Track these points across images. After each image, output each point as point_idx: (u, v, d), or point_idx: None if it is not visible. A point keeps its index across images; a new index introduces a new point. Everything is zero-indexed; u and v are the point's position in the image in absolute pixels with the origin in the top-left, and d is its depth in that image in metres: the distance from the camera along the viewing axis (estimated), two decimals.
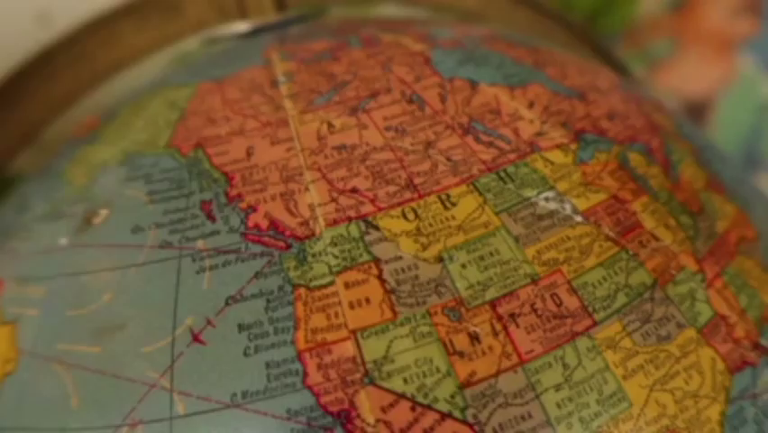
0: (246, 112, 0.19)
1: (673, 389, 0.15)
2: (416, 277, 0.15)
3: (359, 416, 0.14)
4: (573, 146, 0.18)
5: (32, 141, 0.24)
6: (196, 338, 0.15)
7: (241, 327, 0.15)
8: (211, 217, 0.16)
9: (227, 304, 0.15)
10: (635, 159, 0.19)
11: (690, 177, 0.20)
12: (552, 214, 0.16)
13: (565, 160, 0.18)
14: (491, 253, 0.16)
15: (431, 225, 0.16)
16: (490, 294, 0.15)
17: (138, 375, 0.15)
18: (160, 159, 0.18)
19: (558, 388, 0.14)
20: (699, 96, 0.48)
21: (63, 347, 0.16)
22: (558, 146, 0.18)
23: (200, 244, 0.16)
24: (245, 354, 0.14)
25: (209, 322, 0.15)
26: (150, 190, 0.18)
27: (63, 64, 0.24)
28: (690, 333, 0.16)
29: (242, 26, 0.27)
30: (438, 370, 0.14)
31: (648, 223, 0.17)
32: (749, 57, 0.47)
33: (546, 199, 0.17)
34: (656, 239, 0.17)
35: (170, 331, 0.15)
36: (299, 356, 0.14)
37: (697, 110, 0.49)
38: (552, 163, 0.18)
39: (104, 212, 0.18)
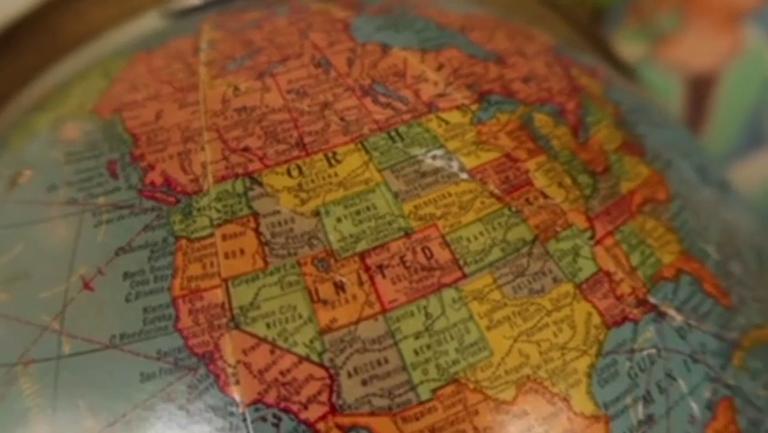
0: (164, 78, 0.20)
1: (540, 340, 0.15)
2: (291, 230, 0.16)
3: (221, 357, 0.14)
4: (474, 107, 0.18)
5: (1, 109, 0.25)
6: (86, 285, 0.16)
7: (125, 275, 0.16)
8: (114, 176, 0.17)
9: (116, 254, 0.16)
10: (540, 119, 0.19)
11: (602, 138, 0.19)
12: (436, 171, 0.17)
13: (462, 120, 0.18)
14: (368, 208, 0.16)
15: (313, 181, 0.16)
16: (361, 246, 0.15)
17: (34, 319, 0.16)
18: (83, 123, 0.20)
19: (418, 336, 0.15)
20: (704, 70, 0.47)
21: None
22: (457, 107, 0.18)
23: (101, 200, 0.17)
24: (126, 300, 0.15)
25: (99, 271, 0.16)
26: (68, 152, 0.19)
27: (26, 40, 0.25)
28: (567, 288, 0.16)
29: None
30: (300, 316, 0.15)
31: (540, 181, 0.17)
32: (756, 29, 0.45)
33: (433, 157, 0.17)
34: (545, 197, 0.17)
35: (66, 279, 0.16)
36: (173, 302, 0.15)
37: (702, 84, 0.47)
38: (446, 123, 0.18)
39: (27, 173, 0.19)
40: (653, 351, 0.16)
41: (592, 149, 0.19)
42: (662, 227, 0.18)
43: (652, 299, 0.17)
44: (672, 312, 0.17)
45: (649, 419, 0.15)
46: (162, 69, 0.20)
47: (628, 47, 0.48)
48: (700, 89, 0.48)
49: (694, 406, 0.16)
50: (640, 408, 0.15)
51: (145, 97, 0.19)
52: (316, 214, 0.16)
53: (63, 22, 0.27)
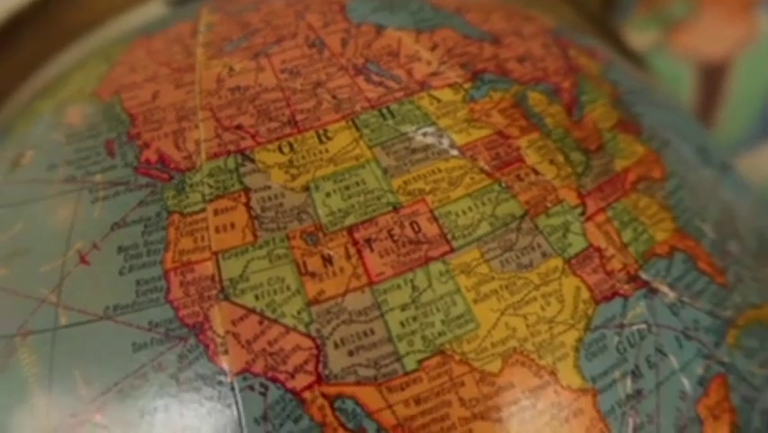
0: (162, 60, 0.20)
1: (527, 314, 0.15)
2: (281, 205, 0.16)
3: (211, 328, 0.15)
4: (467, 85, 0.18)
5: (4, 103, 0.26)
6: (82, 259, 0.16)
7: (120, 249, 0.16)
8: (111, 154, 0.18)
9: (112, 229, 0.16)
10: (534, 98, 0.19)
11: (597, 117, 0.19)
12: (426, 148, 0.17)
13: (454, 98, 0.18)
14: (357, 184, 0.16)
15: (303, 157, 0.16)
16: (349, 220, 0.16)
17: (33, 292, 0.16)
18: (84, 106, 0.20)
19: (404, 308, 0.15)
20: (717, 58, 0.46)
21: None
22: (450, 85, 0.18)
23: (98, 177, 0.17)
24: (120, 273, 0.16)
25: (95, 245, 0.16)
26: (68, 133, 0.19)
27: (30, 30, 0.26)
28: (556, 262, 0.16)
29: None
30: (288, 288, 0.15)
31: (531, 158, 0.17)
32: None
33: (424, 134, 0.17)
34: (536, 173, 0.17)
35: (63, 254, 0.16)
36: (165, 275, 0.15)
37: (715, 72, 0.47)
38: (438, 101, 0.18)
39: (29, 154, 0.20)
40: (643, 326, 0.16)
41: (586, 127, 0.19)
42: (657, 205, 0.18)
43: (643, 276, 0.17)
44: (664, 289, 0.17)
45: (638, 394, 0.15)
46: (161, 51, 0.21)
47: (640, 35, 0.48)
48: (713, 77, 0.47)
49: (685, 382, 0.16)
50: (628, 382, 0.15)
51: (143, 79, 0.20)
52: (306, 189, 0.16)
53: (67, 11, 0.28)
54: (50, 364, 0.15)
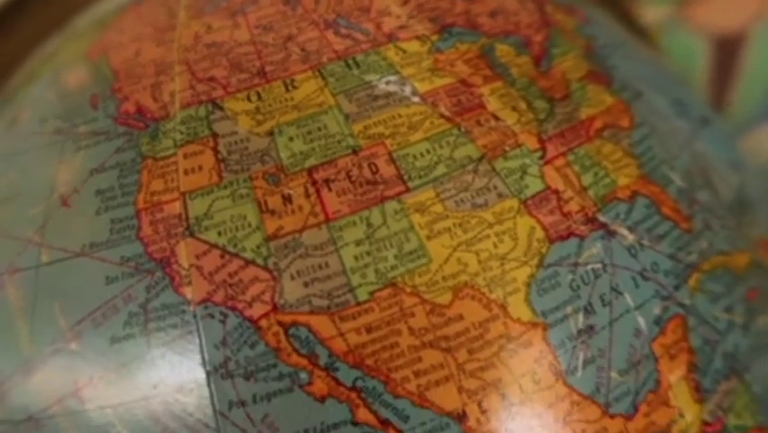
0: (147, 21, 0.21)
1: (479, 250, 0.16)
2: (246, 148, 0.16)
3: (176, 262, 0.15)
4: (434, 37, 0.19)
5: (9, 76, 0.27)
6: (64, 203, 0.17)
7: (97, 192, 0.17)
8: (95, 107, 0.19)
9: (91, 175, 0.17)
10: (502, 49, 0.19)
11: (566, 68, 0.19)
12: (388, 95, 0.17)
13: (420, 49, 0.18)
14: (319, 128, 0.17)
15: (270, 105, 0.17)
16: (310, 162, 0.16)
17: (21, 234, 0.17)
18: (77, 67, 0.21)
19: (359, 243, 0.15)
20: (733, 31, 0.45)
21: None
22: (417, 37, 0.19)
23: (82, 129, 0.18)
24: (97, 214, 0.16)
25: (75, 189, 0.17)
26: (60, 91, 0.20)
27: (35, 5, 0.27)
28: (512, 203, 0.16)
29: None
30: (249, 225, 0.16)
31: (493, 105, 0.18)
32: None
33: (387, 83, 0.17)
34: (497, 119, 0.17)
35: (48, 198, 0.17)
36: (137, 214, 0.16)
37: (730, 46, 0.46)
38: (404, 52, 0.18)
39: (26, 111, 0.21)
40: (598, 266, 0.16)
41: (553, 77, 0.19)
42: (621, 152, 0.18)
43: (601, 218, 0.17)
44: (623, 231, 0.17)
45: (589, 329, 0.16)
46: (148, 14, 0.21)
47: (653, 9, 0.47)
48: (728, 51, 0.46)
49: (641, 320, 0.16)
50: (580, 317, 0.16)
51: (129, 39, 0.20)
52: (270, 134, 0.17)
53: None
54: (33, 299, 0.17)
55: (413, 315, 0.15)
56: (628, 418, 0.16)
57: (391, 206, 0.16)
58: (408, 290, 0.15)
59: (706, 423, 0.17)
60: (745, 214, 0.20)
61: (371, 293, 0.15)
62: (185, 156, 0.17)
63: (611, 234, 0.17)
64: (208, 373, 0.15)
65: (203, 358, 0.15)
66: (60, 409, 0.15)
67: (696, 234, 0.18)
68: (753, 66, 0.45)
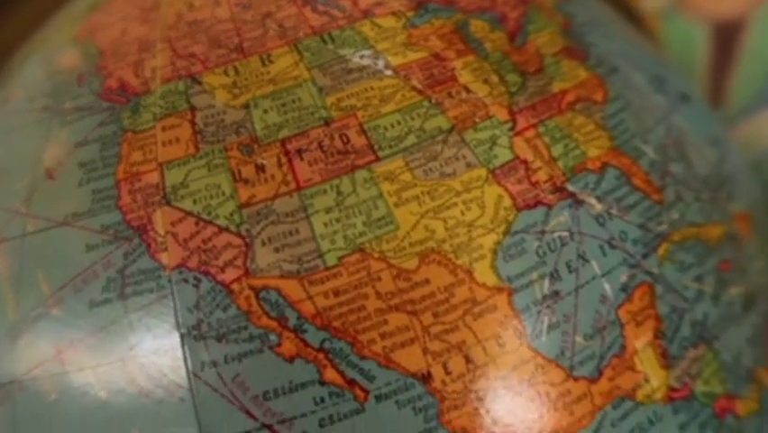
0: (135, 2, 0.21)
1: (447, 217, 0.16)
2: (222, 120, 0.17)
3: (153, 229, 0.16)
4: (410, 13, 0.19)
5: (8, 59, 0.28)
6: (49, 175, 0.18)
7: (80, 165, 0.17)
8: (81, 84, 0.19)
9: (75, 148, 0.18)
10: (476, 25, 0.19)
11: (541, 43, 0.20)
12: (362, 69, 0.18)
13: (395, 24, 0.19)
14: (293, 101, 0.17)
15: (246, 79, 0.18)
16: (283, 133, 0.17)
17: (9, 206, 0.18)
18: (67, 48, 0.21)
19: (328, 210, 0.16)
20: (732, 17, 0.45)
21: None
22: (393, 13, 0.19)
23: (68, 105, 0.19)
24: (79, 185, 0.17)
25: (60, 163, 0.18)
26: (49, 71, 0.21)
27: None
28: (480, 172, 0.16)
29: None
30: (223, 193, 0.16)
31: (464, 78, 0.18)
32: None
33: (361, 57, 0.18)
34: (468, 91, 0.18)
35: (34, 171, 0.18)
36: (117, 184, 0.17)
37: (729, 31, 0.45)
38: (379, 27, 0.19)
39: (17, 91, 0.21)
40: (565, 234, 0.16)
41: (527, 52, 0.19)
42: (593, 124, 0.18)
43: (570, 187, 0.17)
44: (591, 200, 0.17)
45: (555, 295, 0.16)
46: None
47: None
48: (727, 36, 0.46)
49: (607, 287, 0.17)
50: (546, 283, 0.16)
51: (116, 19, 0.21)
52: (246, 106, 0.17)
53: None
54: (19, 267, 0.17)
55: (380, 279, 0.15)
56: (592, 381, 0.16)
57: (361, 174, 0.16)
58: (376, 255, 0.16)
59: (672, 388, 0.17)
60: (722, 188, 0.21)
61: (340, 258, 0.15)
62: (163, 129, 0.17)
63: (579, 203, 0.17)
64: (182, 336, 0.15)
65: (177, 321, 0.15)
66: (42, 372, 0.16)
67: (667, 206, 0.18)
68: (753, 51, 0.45)
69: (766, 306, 0.21)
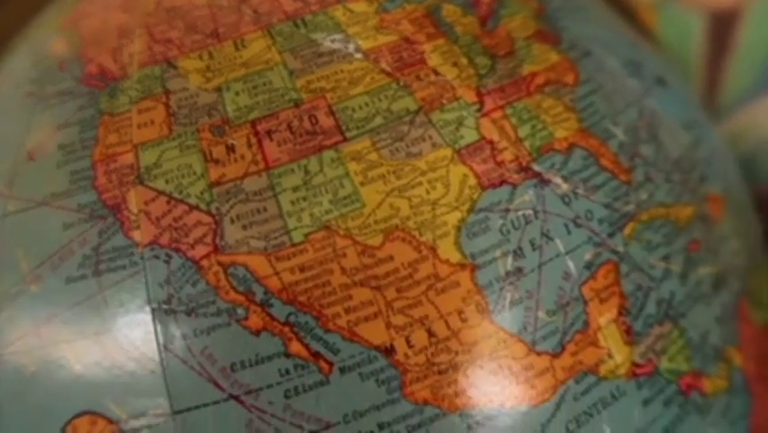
0: None
1: (411, 196, 0.16)
2: (195, 103, 0.17)
3: (127, 208, 0.16)
4: None
5: (5, 47, 0.28)
6: (30, 157, 0.18)
7: (60, 147, 0.18)
8: (63, 70, 0.20)
9: (56, 131, 0.18)
10: (448, 9, 0.20)
11: (513, 27, 0.20)
12: (333, 52, 0.18)
13: (367, 9, 0.19)
14: (264, 84, 0.17)
15: (220, 63, 0.18)
16: (253, 115, 0.17)
17: None
18: (53, 37, 0.22)
19: (296, 189, 0.16)
20: (727, 5, 0.45)
21: None
22: None
23: (50, 90, 0.19)
24: (58, 166, 0.18)
25: (41, 145, 0.18)
26: (35, 59, 0.21)
27: None
28: (445, 152, 0.17)
29: None
30: (195, 173, 0.16)
31: (434, 61, 0.18)
32: None
33: (332, 41, 0.18)
34: (437, 74, 0.18)
35: (16, 154, 0.19)
36: (93, 165, 0.17)
37: (725, 20, 0.45)
38: (351, 12, 0.19)
39: (6, 79, 0.22)
40: (529, 212, 0.17)
41: (498, 35, 0.20)
42: (562, 106, 0.19)
43: (536, 167, 0.17)
44: (557, 180, 0.18)
45: (518, 271, 0.16)
46: None
47: None
48: (723, 26, 0.46)
49: (570, 264, 0.17)
50: (509, 260, 0.16)
51: (99, 8, 0.21)
52: (218, 89, 0.17)
53: None
54: (1, 247, 0.18)
55: (345, 255, 0.16)
56: (555, 355, 0.16)
57: (328, 154, 0.17)
58: (342, 232, 0.16)
59: (636, 364, 0.17)
60: (694, 170, 0.21)
61: (306, 235, 0.16)
62: (139, 111, 0.18)
63: (545, 182, 0.17)
64: (153, 310, 0.16)
65: (149, 296, 0.16)
66: (21, 346, 0.17)
67: (635, 186, 0.19)
68: (748, 41, 0.45)
69: (739, 286, 0.21)
